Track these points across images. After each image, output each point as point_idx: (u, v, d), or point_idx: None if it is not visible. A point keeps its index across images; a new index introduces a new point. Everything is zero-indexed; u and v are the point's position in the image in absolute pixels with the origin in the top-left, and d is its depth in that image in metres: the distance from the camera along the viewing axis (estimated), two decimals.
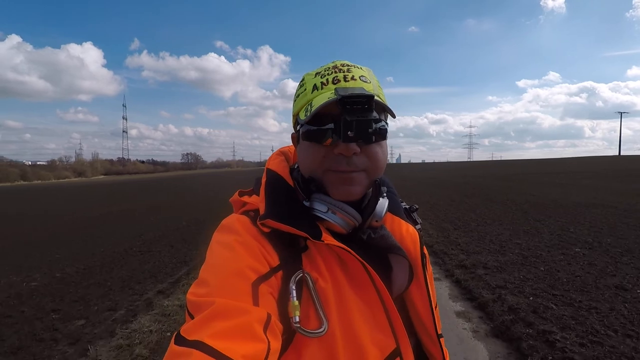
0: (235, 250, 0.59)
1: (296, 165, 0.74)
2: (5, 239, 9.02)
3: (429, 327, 0.72)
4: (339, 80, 0.65)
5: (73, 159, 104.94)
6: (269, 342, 0.50)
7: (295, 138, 0.72)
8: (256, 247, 0.60)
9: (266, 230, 0.62)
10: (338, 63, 0.69)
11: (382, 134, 0.65)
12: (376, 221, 0.69)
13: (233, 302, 0.51)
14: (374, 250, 0.68)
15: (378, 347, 0.61)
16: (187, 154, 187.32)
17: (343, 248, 0.61)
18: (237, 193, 0.75)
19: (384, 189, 0.74)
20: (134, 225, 10.35)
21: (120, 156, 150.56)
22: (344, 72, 0.67)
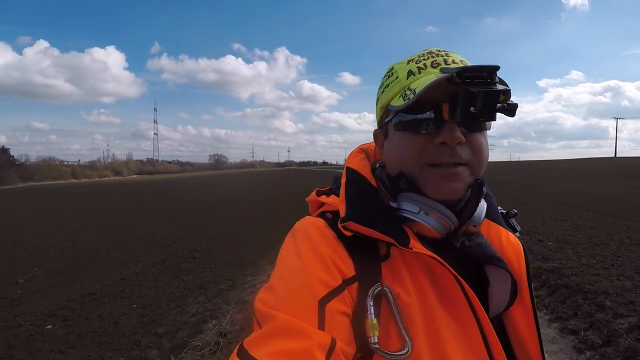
0: (304, 260, 0.55)
1: (377, 165, 0.70)
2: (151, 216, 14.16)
3: (534, 355, 0.64)
4: (438, 64, 0.60)
5: (110, 160, 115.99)
6: None
7: (380, 134, 0.67)
8: (328, 256, 0.56)
9: (348, 234, 0.58)
10: (433, 49, 0.64)
11: (512, 110, 0.58)
12: (474, 226, 0.63)
13: (295, 322, 0.48)
14: (467, 260, 0.62)
15: None
16: (214, 154, 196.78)
17: (433, 257, 0.56)
18: (314, 192, 0.72)
19: (485, 189, 0.66)
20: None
21: (149, 157, 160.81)
22: (442, 56, 0.62)
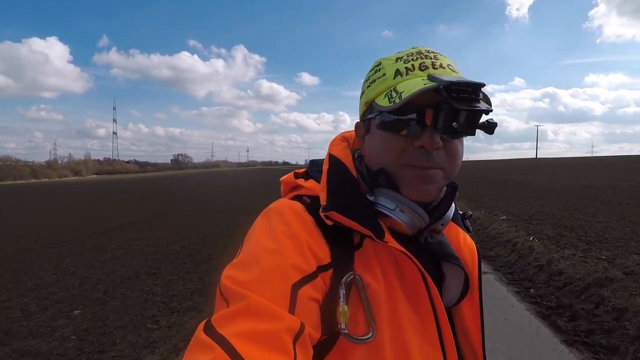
0: (281, 243, 0.55)
1: (356, 155, 0.71)
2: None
3: (476, 346, 0.71)
4: (426, 67, 0.61)
5: (67, 159, 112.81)
6: (295, 355, 0.47)
7: (362, 127, 0.69)
8: (305, 241, 0.56)
9: (329, 223, 0.59)
10: (422, 49, 0.65)
11: (492, 128, 0.61)
12: (441, 225, 0.67)
13: (267, 304, 0.48)
14: (427, 256, 0.66)
15: None
16: (178, 154, 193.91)
17: (404, 252, 0.59)
18: (291, 174, 0.72)
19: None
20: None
21: (106, 156, 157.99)
22: (431, 58, 0.63)
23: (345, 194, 0.62)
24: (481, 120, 0.58)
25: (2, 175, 66.65)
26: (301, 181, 0.69)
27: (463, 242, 0.73)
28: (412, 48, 0.66)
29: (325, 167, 0.66)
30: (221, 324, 0.47)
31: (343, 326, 0.55)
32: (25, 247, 7.96)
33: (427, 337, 0.61)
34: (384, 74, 0.64)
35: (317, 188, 0.65)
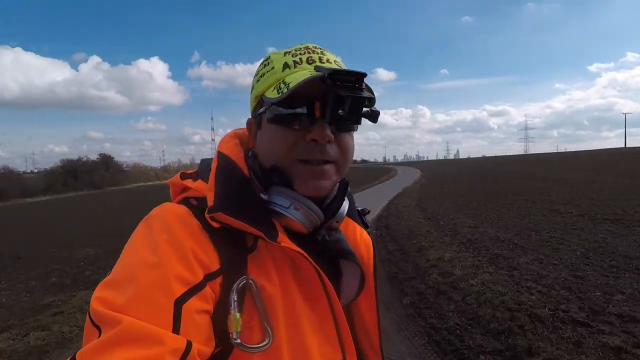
0: (161, 254, 0.50)
1: (250, 153, 0.67)
2: None
3: (374, 339, 0.72)
4: (314, 61, 0.62)
5: (177, 164, 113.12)
6: None
7: (253, 123, 0.67)
8: (190, 249, 0.52)
9: (216, 225, 0.55)
10: (310, 45, 0.65)
11: (375, 116, 0.62)
12: (337, 222, 0.66)
13: (145, 326, 0.43)
14: (325, 253, 0.65)
15: None
16: None
17: (299, 252, 0.57)
18: (178, 175, 0.67)
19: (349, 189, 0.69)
20: None
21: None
22: (318, 53, 0.63)
23: (234, 194, 0.59)
24: (366, 109, 0.61)
25: (136, 178, 71.67)
26: (189, 182, 0.65)
27: (360, 238, 0.74)
28: (301, 45, 0.66)
29: (213, 166, 0.62)
30: (90, 358, 0.41)
31: (235, 335, 0.51)
32: None
33: (326, 337, 0.60)
34: (273, 68, 0.63)
35: (205, 189, 0.61)
